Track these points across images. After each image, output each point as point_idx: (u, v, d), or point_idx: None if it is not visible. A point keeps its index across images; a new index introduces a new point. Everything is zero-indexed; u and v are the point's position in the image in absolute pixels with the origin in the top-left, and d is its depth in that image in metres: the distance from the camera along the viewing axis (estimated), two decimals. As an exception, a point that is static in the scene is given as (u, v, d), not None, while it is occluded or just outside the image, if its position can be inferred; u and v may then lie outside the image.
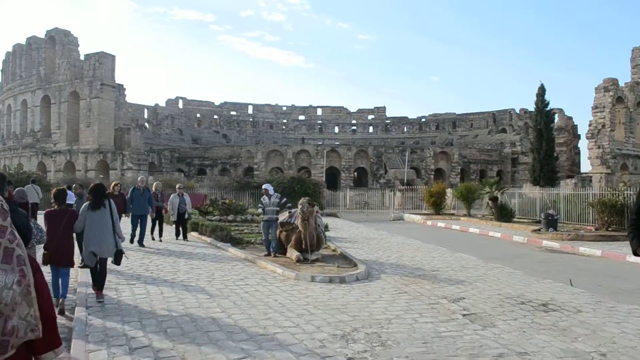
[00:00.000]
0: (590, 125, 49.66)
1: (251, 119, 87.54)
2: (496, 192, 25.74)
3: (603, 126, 48.70)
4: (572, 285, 10.39)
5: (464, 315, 7.69)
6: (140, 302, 8.16)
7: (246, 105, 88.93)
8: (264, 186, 14.28)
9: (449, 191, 33.62)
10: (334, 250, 14.57)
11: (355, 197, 45.04)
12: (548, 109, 39.28)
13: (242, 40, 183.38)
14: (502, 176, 61.61)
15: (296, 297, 8.66)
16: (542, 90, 39.46)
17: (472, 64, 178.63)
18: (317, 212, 13.53)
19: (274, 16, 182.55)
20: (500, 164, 62.54)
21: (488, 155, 63.18)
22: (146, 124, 74.91)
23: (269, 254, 13.45)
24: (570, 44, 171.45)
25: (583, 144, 46.76)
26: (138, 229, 15.48)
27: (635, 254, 5.06)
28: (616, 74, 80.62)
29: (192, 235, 17.64)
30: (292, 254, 12.69)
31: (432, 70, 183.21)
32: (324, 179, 48.34)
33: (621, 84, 51.41)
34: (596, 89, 49.91)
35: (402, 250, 15.72)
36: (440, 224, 26.85)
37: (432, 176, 58.86)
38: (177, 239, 17.37)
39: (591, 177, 48.66)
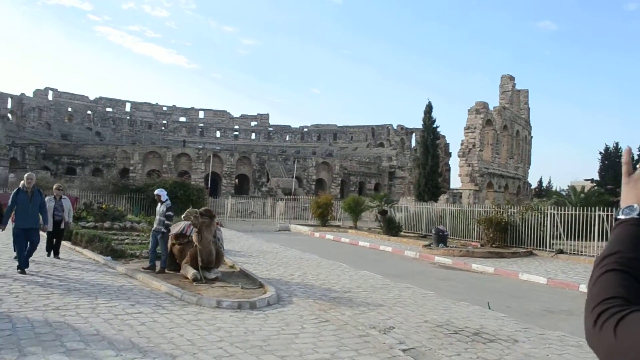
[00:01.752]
0: (462, 144, 52.25)
1: (128, 117, 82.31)
2: (386, 205, 25.60)
3: (473, 146, 51.43)
4: (490, 308, 9.93)
5: (404, 350, 6.71)
6: None
7: (124, 102, 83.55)
8: (156, 191, 12.46)
9: (335, 202, 33.30)
10: (232, 267, 13.10)
11: (238, 205, 43.35)
12: (434, 126, 40.49)
13: (122, 33, 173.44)
14: (379, 189, 63.18)
15: (205, 331, 7.17)
16: (429, 108, 40.70)
17: (355, 77, 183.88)
18: (217, 223, 12.03)
19: (157, 12, 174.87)
20: (378, 177, 64.06)
21: (367, 168, 64.47)
22: (9, 115, 67.29)
23: (150, 268, 11.76)
24: (442, 68, 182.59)
25: (453, 162, 49.04)
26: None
27: None
28: (487, 98, 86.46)
29: (65, 245, 15.11)
30: (188, 271, 11.07)
31: (315, 79, 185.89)
32: (206, 185, 46.08)
33: (491, 108, 54.86)
34: (469, 111, 52.71)
35: (302, 266, 14.67)
36: (329, 236, 26.31)
37: (313, 186, 58.80)
38: (48, 255, 13.64)
39: (461, 193, 51.24)
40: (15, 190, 11.33)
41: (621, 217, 1.13)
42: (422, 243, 21.99)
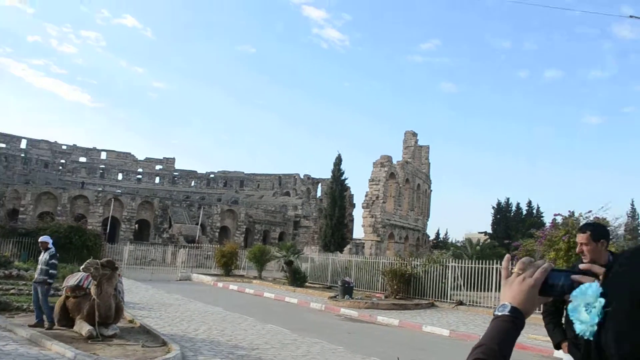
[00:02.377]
0: (366, 195, 53.51)
1: (23, 155, 76.84)
2: (292, 256, 25.40)
3: (377, 198, 52.80)
4: (400, 365, 9.88)
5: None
6: None
7: (19, 138, 78.14)
8: (41, 238, 11.45)
9: (240, 251, 32.65)
10: (131, 322, 12.21)
11: (137, 252, 41.29)
12: (343, 178, 41.22)
13: (24, 66, 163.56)
14: (284, 238, 62.95)
15: (102, 398, 6.49)
16: (339, 160, 41.55)
17: (264, 125, 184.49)
18: (119, 275, 11.23)
19: (64, 47, 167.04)
20: (283, 226, 63.89)
21: (272, 217, 64.20)
22: None
23: (38, 324, 10.74)
24: (349, 120, 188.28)
25: (357, 212, 50.07)
26: None
27: (558, 347, 4.40)
28: (391, 151, 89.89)
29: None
30: (83, 328, 10.14)
31: (225, 125, 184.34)
32: (103, 230, 43.57)
33: (394, 161, 56.93)
34: (374, 164, 54.32)
35: (207, 320, 14.00)
36: (233, 286, 25.64)
37: (217, 234, 57.51)
38: None
39: (364, 243, 52.15)
40: None
41: (497, 313, 1.32)
42: (328, 294, 21.93)
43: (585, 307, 1.14)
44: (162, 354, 8.95)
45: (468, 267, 19.85)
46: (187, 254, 35.53)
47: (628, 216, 44.03)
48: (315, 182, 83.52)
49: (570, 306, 1.18)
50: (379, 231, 51.47)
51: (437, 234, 76.03)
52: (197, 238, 49.36)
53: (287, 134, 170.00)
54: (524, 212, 55.40)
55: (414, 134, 64.02)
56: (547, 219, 57.30)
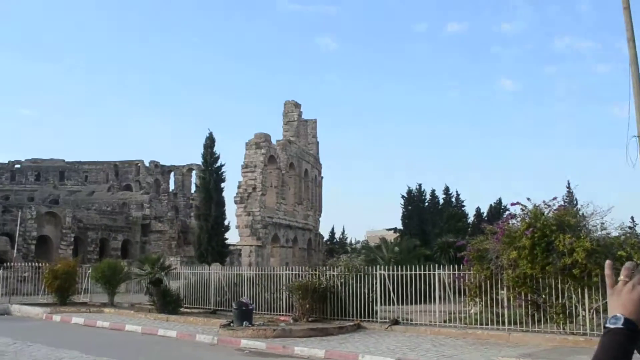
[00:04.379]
0: (239, 187, 53.03)
1: None
2: (160, 272, 24.44)
3: (254, 189, 52.48)
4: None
5: None
6: None
7: None
8: None
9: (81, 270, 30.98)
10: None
11: None
12: (219, 164, 40.27)
13: None
14: (129, 248, 60.72)
15: None
16: (211, 141, 40.33)
17: (88, 98, 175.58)
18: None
19: None
20: (127, 232, 61.58)
21: (111, 220, 61.60)
22: None
23: None
24: (211, 93, 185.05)
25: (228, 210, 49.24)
26: None
27: None
28: (270, 129, 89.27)
29: None
30: None
31: (27, 96, 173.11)
32: None
33: (274, 141, 56.82)
34: (247, 144, 53.83)
35: None
36: (77, 319, 24.39)
37: (33, 246, 54.09)
38: None
39: (240, 250, 51.69)
40: None
41: (608, 325, 1.51)
42: (216, 322, 21.44)
43: None
44: None
45: (402, 275, 20.20)
46: (-7, 277, 33.03)
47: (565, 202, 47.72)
48: (167, 170, 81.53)
49: None
50: (259, 233, 51.33)
51: (332, 233, 77.58)
52: (7, 254, 46.01)
53: (124, 111, 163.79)
54: (441, 202, 57.92)
55: (297, 105, 64.54)
56: (470, 209, 60.73)
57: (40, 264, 33.09)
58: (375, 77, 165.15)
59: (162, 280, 24.92)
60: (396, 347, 16.30)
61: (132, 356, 15.64)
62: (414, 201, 56.85)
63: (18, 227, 48.41)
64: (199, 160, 50.35)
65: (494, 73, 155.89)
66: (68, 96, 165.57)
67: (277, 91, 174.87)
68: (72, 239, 56.95)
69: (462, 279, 18.87)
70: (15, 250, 43.16)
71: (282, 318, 21.50)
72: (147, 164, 78.52)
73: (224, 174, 41.55)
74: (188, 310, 25.35)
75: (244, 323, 19.69)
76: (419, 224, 53.57)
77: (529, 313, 17.22)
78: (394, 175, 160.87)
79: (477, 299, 18.53)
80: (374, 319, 20.53)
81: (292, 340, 17.77)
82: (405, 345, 16.65)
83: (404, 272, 20.21)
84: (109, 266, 28.96)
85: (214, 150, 40.77)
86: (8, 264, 37.49)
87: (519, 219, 17.57)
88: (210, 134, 40.96)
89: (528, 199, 17.91)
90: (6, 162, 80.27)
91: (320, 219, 65.89)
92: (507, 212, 18.16)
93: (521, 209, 17.63)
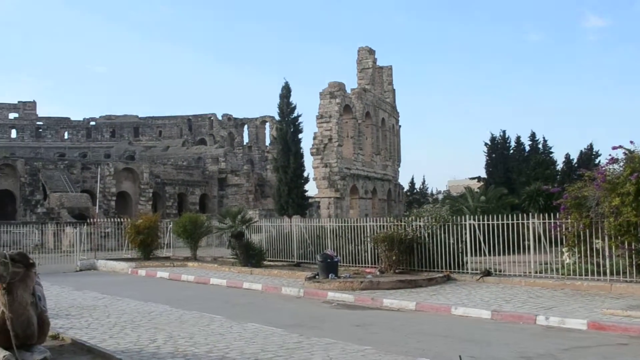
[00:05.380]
0: (315, 138, 53.05)
1: None
2: (242, 226, 24.80)
3: (330, 140, 52.41)
4: (465, 365, 9.62)
5: None
6: None
7: None
8: None
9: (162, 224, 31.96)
10: (56, 337, 11.38)
11: (4, 235, 39.53)
12: (295, 114, 40.33)
13: None
14: (207, 202, 62.10)
15: None
16: (287, 91, 40.28)
17: (157, 54, 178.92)
18: (36, 274, 10.23)
19: None
20: (204, 186, 62.93)
21: (188, 175, 63.02)
22: None
23: None
24: (282, 39, 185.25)
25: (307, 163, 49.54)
26: None
27: None
28: (344, 78, 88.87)
29: None
30: (-5, 353, 9.21)
31: (100, 54, 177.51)
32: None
33: (348, 90, 56.40)
34: (321, 94, 53.61)
35: (159, 325, 13.40)
36: (162, 273, 25.24)
37: (113, 202, 55.96)
38: None
39: (318, 202, 52.02)
40: None
41: None
42: (300, 274, 21.65)
43: None
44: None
45: (492, 224, 19.84)
46: (77, 233, 34.25)
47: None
48: (240, 123, 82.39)
49: None
50: (337, 184, 51.41)
51: (412, 184, 77.00)
52: (89, 211, 47.77)
53: (196, 65, 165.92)
54: (527, 149, 56.66)
55: (371, 51, 63.54)
56: (558, 156, 58.96)
57: (122, 220, 34.24)
58: (453, 19, 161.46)
59: (244, 234, 25.32)
60: (490, 299, 16.07)
61: (221, 308, 15.94)
62: (497, 149, 55.79)
63: (98, 184, 50.21)
64: (272, 112, 50.46)
65: (580, 10, 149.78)
66: (139, 53, 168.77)
67: (350, 37, 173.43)
68: (151, 194, 58.66)
69: (558, 228, 18.36)
70: (97, 207, 44.68)
71: (368, 270, 21.50)
72: (220, 118, 79.55)
73: (301, 125, 41.48)
74: (271, 263, 25.75)
75: (330, 275, 19.79)
76: (504, 172, 52.61)
77: (633, 263, 16.62)
78: (475, 123, 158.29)
79: (575, 249, 18.01)
80: (464, 270, 20.30)
81: (381, 293, 17.77)
82: (500, 297, 16.40)
83: (494, 222, 19.84)
84: (190, 220, 29.63)
85: (290, 100, 40.69)
86: (90, 220, 38.90)
87: (621, 164, 16.88)
88: (286, 84, 40.87)
89: (631, 142, 17.19)
90: (81, 119, 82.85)
91: (400, 169, 65.63)
92: (608, 157, 17.37)
93: (624, 153, 16.92)
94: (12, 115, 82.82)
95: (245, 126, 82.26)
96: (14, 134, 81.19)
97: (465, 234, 20.52)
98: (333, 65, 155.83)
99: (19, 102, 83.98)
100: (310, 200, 48.90)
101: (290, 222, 27.89)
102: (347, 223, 24.65)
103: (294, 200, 38.15)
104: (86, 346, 10.61)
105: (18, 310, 9.34)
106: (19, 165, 55.14)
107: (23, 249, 36.65)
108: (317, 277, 20.26)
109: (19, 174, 54.67)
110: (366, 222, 24.21)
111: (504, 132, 57.86)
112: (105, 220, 42.08)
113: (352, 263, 23.08)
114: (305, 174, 42.51)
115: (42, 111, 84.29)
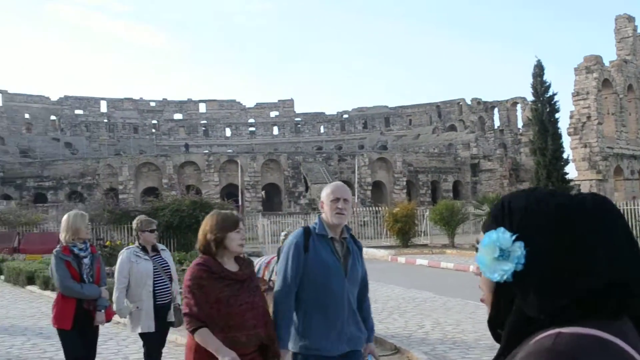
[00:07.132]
0: (571, 117, 50.59)
1: (106, 120, 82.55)
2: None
3: (588, 118, 49.72)
4: None
5: None
6: None
7: (97, 100, 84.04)
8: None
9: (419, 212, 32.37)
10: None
11: (273, 225, 42.55)
12: (550, 93, 38.87)
13: (81, 9, 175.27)
14: (460, 189, 61.75)
15: None
16: (539, 69, 38.94)
17: (404, 43, 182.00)
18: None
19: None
20: (456, 173, 62.64)
21: (440, 162, 63.15)
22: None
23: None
24: (528, 17, 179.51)
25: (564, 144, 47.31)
26: None
27: None
28: (599, 50, 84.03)
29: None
30: None
31: (353, 50, 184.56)
32: (235, 202, 45.33)
33: (606, 63, 52.96)
34: (576, 69, 51.01)
35: (424, 310, 13.87)
36: (421, 260, 25.36)
37: (369, 192, 57.71)
38: None
39: (579, 185, 49.41)
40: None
41: None
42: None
43: None
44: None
45: None
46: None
47: None
48: (490, 106, 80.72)
49: None
50: (599, 165, 48.84)
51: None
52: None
53: (441, 48, 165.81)
54: None
55: (630, 19, 59.58)
56: None
57: (378, 209, 35.26)
58: None
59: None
60: None
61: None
62: None
63: (355, 174, 52.20)
64: (523, 93, 48.67)
65: None
66: (386, 43, 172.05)
67: (605, 6, 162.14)
68: (404, 182, 59.66)
69: None
70: (355, 197, 46.40)
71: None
72: (468, 102, 78.60)
73: (557, 104, 39.72)
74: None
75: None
76: None
77: None
78: None
79: None
80: None
81: None
82: None
83: None
84: (447, 207, 29.70)
85: (544, 79, 39.11)
86: (352, 208, 40.62)
87: None
88: (539, 62, 39.30)
89: None
90: (335, 113, 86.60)
91: (670, 145, 60.10)
92: None
93: None
94: (273, 114, 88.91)
95: (495, 109, 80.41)
96: (275, 130, 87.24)
97: None
98: (586, 38, 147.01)
99: (278, 100, 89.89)
100: (570, 184, 46.76)
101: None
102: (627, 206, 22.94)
103: (553, 184, 36.59)
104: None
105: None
106: (282, 160, 59.04)
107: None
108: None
109: (282, 167, 58.50)
110: (636, 204, 22.50)
111: None
112: (363, 209, 43.61)
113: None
114: (564, 156, 40.69)
115: (299, 108, 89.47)
